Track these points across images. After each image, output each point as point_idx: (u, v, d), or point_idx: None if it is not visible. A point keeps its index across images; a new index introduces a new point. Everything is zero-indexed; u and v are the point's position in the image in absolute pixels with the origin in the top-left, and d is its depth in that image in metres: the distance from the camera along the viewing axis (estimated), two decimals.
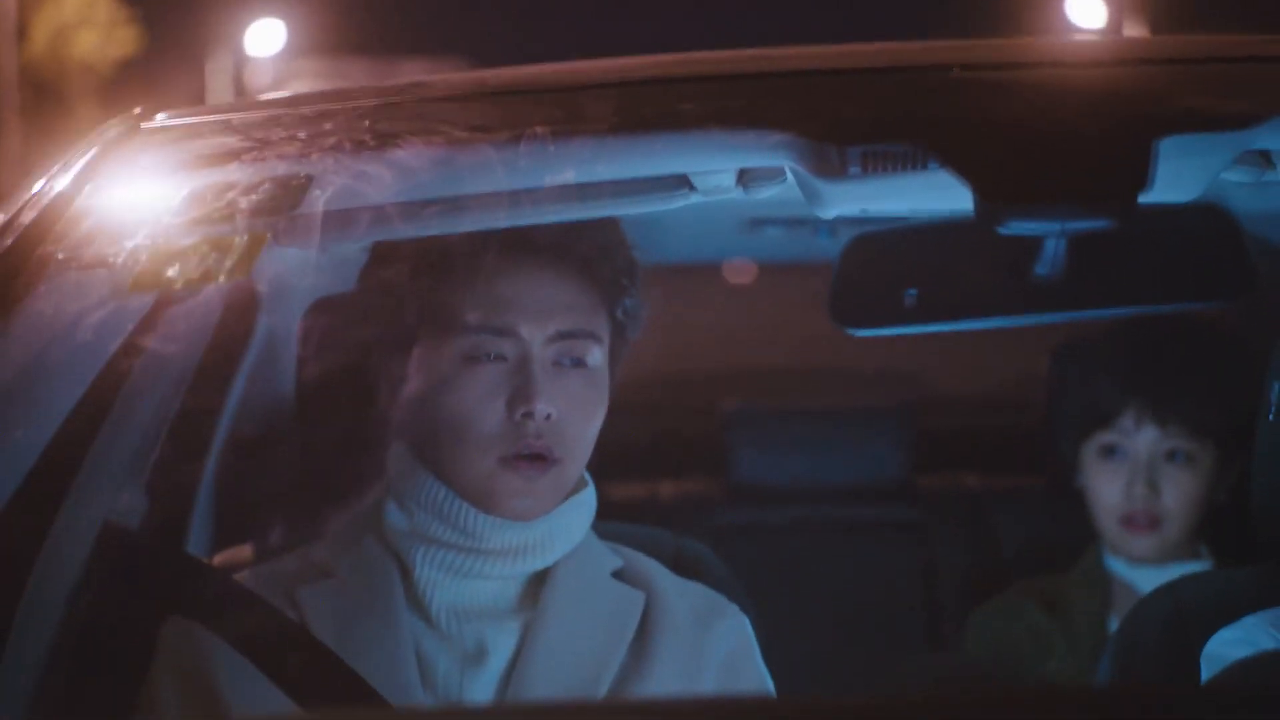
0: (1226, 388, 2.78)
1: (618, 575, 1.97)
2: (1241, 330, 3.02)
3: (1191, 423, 2.76)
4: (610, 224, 1.93)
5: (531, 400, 1.85)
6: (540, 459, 1.87)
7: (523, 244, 1.89)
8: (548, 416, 1.86)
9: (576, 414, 1.88)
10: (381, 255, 1.96)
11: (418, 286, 1.90)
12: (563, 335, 1.88)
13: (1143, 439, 2.77)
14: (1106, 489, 2.79)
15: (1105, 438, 2.80)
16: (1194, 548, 2.80)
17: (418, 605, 1.90)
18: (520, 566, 1.91)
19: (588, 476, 1.95)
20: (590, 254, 1.90)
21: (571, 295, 1.90)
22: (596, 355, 1.90)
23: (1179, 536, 2.78)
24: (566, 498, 1.92)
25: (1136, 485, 2.77)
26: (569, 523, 1.92)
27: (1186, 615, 2.04)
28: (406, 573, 1.91)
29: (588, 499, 1.95)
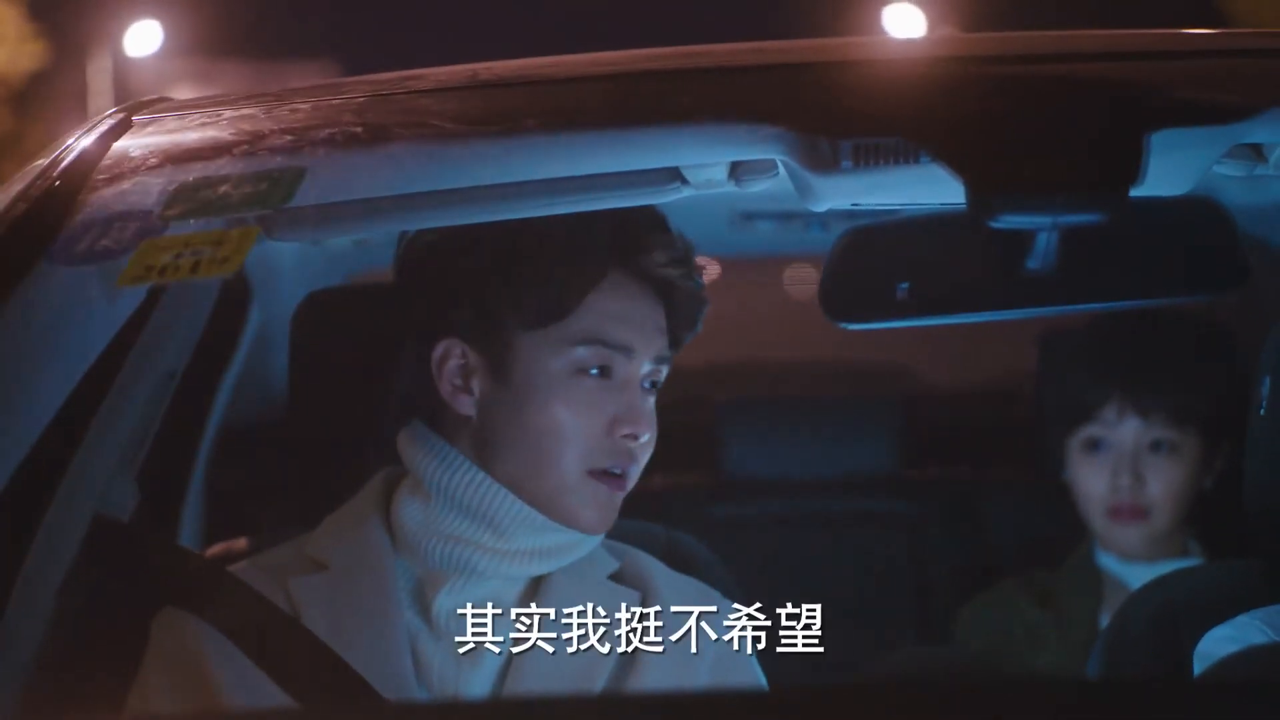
0: (1207, 376, 2.79)
1: (614, 577, 1.98)
2: (1221, 318, 3.03)
3: (1174, 412, 2.76)
4: (692, 254, 1.96)
5: (638, 424, 1.89)
6: (624, 477, 1.90)
7: (636, 265, 1.91)
8: (645, 440, 1.90)
9: (654, 437, 1.93)
10: (447, 242, 1.93)
11: (537, 282, 1.89)
12: (658, 359, 1.93)
13: (1126, 430, 2.78)
14: (1092, 482, 2.80)
15: (1089, 431, 2.81)
16: (1183, 542, 2.81)
17: (417, 600, 1.90)
18: (534, 569, 1.92)
19: None
20: (687, 286, 1.94)
21: (662, 320, 1.94)
22: (662, 380, 1.95)
23: (1167, 527, 2.78)
24: None
25: (1121, 477, 2.77)
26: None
27: (1176, 610, 2.05)
28: (410, 567, 1.90)
29: None
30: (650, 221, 1.93)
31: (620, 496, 1.91)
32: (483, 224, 1.88)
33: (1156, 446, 2.77)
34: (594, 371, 1.89)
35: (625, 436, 1.89)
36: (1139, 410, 2.77)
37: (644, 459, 1.92)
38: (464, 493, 1.89)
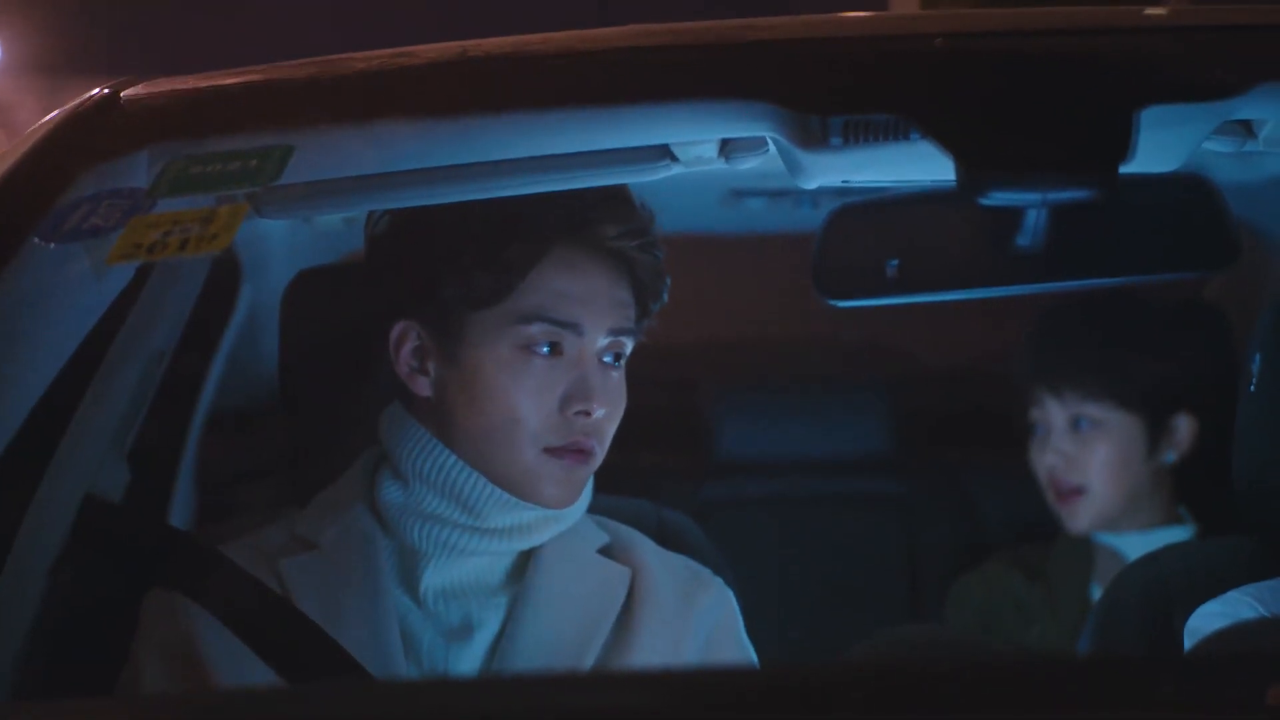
0: (1122, 349, 2.81)
1: (604, 551, 1.98)
2: (1221, 297, 3.04)
3: (1086, 388, 2.79)
4: (652, 224, 1.94)
5: (590, 400, 1.87)
6: (583, 452, 1.88)
7: (585, 239, 1.89)
8: (600, 416, 1.87)
9: (614, 410, 1.90)
10: (410, 225, 1.93)
11: (478, 262, 1.88)
12: (615, 332, 1.90)
13: (1049, 411, 2.82)
14: (1037, 466, 2.85)
15: (1030, 417, 2.85)
16: (1170, 511, 2.82)
17: (405, 579, 1.90)
18: (515, 544, 1.91)
19: None
20: (643, 258, 1.92)
21: (623, 293, 1.91)
22: (628, 353, 1.92)
23: (1117, 501, 2.80)
24: None
25: (1048, 456, 2.82)
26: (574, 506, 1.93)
27: (1168, 586, 2.05)
28: (396, 546, 1.90)
29: (589, 484, 1.95)
30: (604, 192, 1.91)
31: (586, 470, 1.90)
32: (434, 205, 1.87)
33: (1075, 423, 2.80)
34: (543, 349, 1.87)
35: (579, 413, 1.87)
36: (1052, 390, 2.81)
37: (608, 432, 1.90)
38: (434, 474, 1.89)
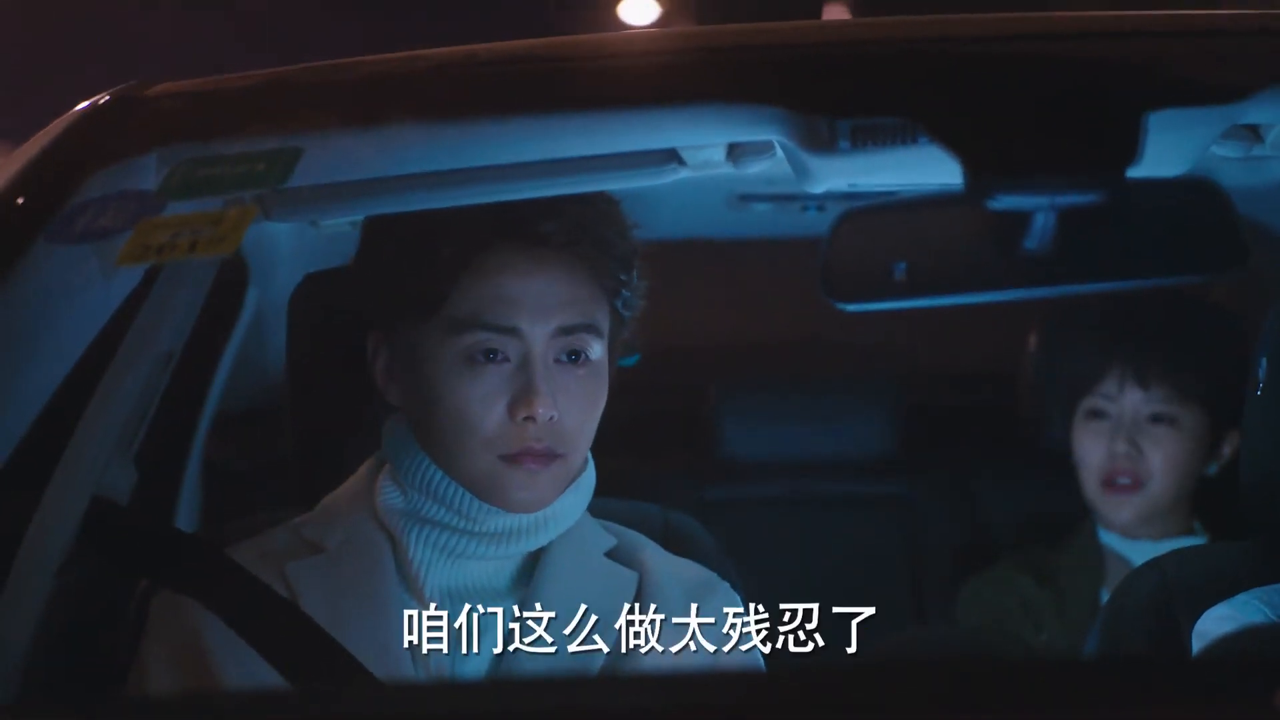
0: (1212, 355, 2.81)
1: (611, 555, 1.97)
2: (1228, 300, 3.04)
3: (1175, 387, 2.78)
4: (613, 214, 1.91)
5: (534, 405, 1.84)
6: (541, 456, 1.86)
7: (521, 239, 1.87)
8: (550, 419, 1.85)
9: (578, 410, 1.87)
10: (372, 236, 1.94)
11: (410, 271, 1.88)
12: (564, 331, 1.87)
13: (1127, 402, 2.81)
14: (1091, 451, 2.83)
15: (1091, 402, 2.84)
16: (1187, 523, 2.82)
17: (410, 584, 1.90)
18: (516, 547, 1.91)
19: (589, 457, 1.95)
20: (590, 251, 1.88)
21: (572, 290, 1.88)
22: (597, 349, 1.89)
23: (1162, 502, 2.80)
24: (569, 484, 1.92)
25: (1118, 444, 2.80)
26: (567, 505, 1.92)
27: (1174, 589, 2.05)
28: (400, 551, 1.90)
29: (587, 481, 1.95)
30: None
31: (550, 473, 1.87)
32: (394, 215, 1.86)
33: (1156, 419, 2.80)
34: (485, 356, 1.85)
35: (525, 419, 1.84)
36: (1140, 383, 2.80)
37: (576, 432, 1.87)
38: (424, 482, 1.89)
